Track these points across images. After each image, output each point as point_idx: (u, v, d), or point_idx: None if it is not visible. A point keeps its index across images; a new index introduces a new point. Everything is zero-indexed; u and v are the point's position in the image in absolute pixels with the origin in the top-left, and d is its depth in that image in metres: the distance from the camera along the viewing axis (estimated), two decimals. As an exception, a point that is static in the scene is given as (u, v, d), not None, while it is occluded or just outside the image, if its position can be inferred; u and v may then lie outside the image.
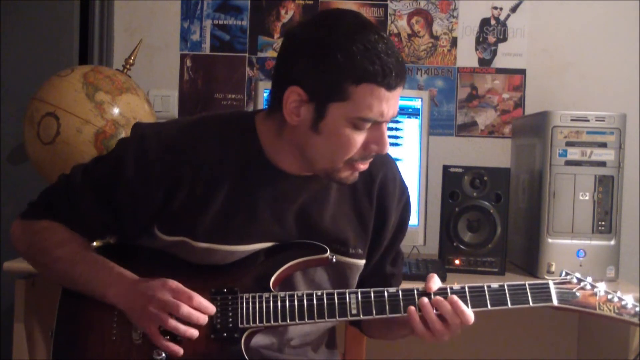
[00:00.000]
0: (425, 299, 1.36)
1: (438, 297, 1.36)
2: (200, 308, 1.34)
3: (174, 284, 1.35)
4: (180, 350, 1.35)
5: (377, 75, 1.28)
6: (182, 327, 1.33)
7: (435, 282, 1.39)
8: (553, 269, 2.05)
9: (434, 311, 1.35)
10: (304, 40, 1.32)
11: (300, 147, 1.37)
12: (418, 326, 1.36)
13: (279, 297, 1.38)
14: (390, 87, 1.30)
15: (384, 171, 1.51)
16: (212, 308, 1.36)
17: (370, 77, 1.28)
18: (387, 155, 1.54)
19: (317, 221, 1.45)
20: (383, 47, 1.28)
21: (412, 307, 1.37)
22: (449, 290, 1.38)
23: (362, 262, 1.50)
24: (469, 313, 1.35)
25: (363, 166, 1.39)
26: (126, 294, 1.37)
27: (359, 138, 1.33)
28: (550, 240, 2.07)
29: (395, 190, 1.52)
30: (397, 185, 1.53)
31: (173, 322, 1.33)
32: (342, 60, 1.27)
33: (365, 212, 1.49)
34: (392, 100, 1.32)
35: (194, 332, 1.34)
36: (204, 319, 1.35)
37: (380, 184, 1.50)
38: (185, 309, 1.33)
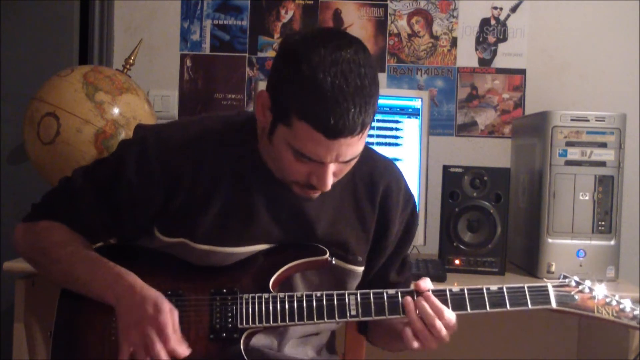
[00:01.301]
0: (409, 298, 1.37)
1: (419, 297, 1.37)
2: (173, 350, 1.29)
3: (164, 319, 1.28)
4: None
5: (318, 119, 1.22)
6: None
7: (427, 283, 1.40)
8: (553, 269, 2.05)
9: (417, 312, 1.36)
10: (285, 52, 1.30)
11: None
12: (414, 316, 1.35)
13: (278, 298, 1.38)
14: (329, 136, 1.23)
15: (387, 180, 1.49)
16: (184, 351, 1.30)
17: (311, 119, 1.23)
18: (391, 163, 1.54)
19: (315, 224, 1.44)
20: (340, 93, 1.21)
21: (409, 297, 1.37)
22: (447, 292, 1.39)
23: (361, 269, 1.49)
24: (448, 311, 1.35)
25: (314, 194, 1.37)
26: (124, 297, 1.33)
27: (300, 167, 1.31)
28: (550, 240, 2.07)
29: (399, 200, 1.50)
30: (402, 194, 1.51)
31: None
32: (296, 89, 1.24)
33: (368, 218, 1.48)
34: (337, 147, 1.25)
35: None
36: None
37: (383, 192, 1.49)
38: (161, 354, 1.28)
